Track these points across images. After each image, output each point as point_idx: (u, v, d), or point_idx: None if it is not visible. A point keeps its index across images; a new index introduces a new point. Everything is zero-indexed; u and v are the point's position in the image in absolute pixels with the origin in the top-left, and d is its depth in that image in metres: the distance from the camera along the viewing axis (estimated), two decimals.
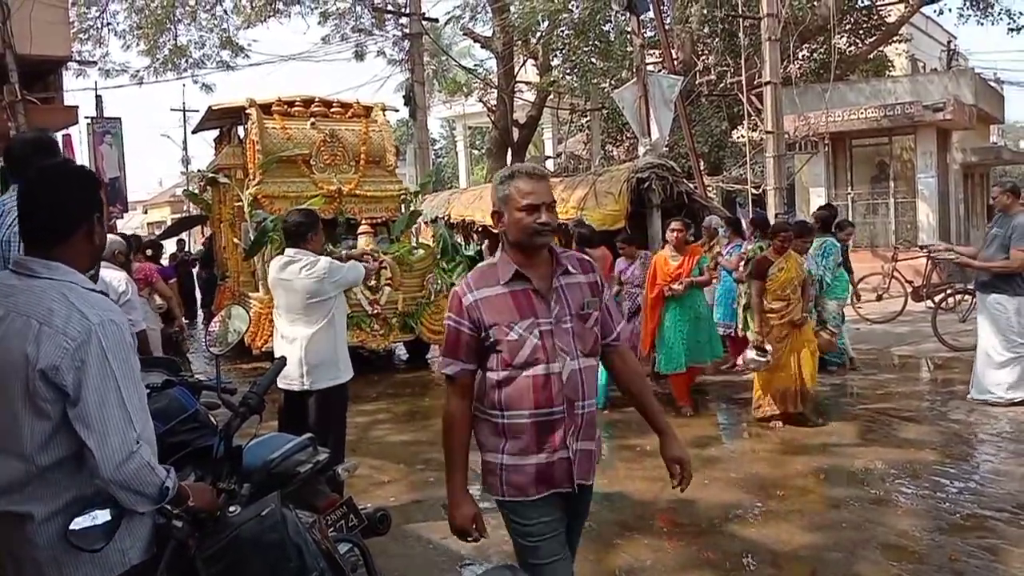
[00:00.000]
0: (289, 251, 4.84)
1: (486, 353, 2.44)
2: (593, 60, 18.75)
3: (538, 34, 18.93)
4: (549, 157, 26.77)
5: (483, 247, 12.43)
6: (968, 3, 19.11)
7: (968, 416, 6.77)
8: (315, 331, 4.73)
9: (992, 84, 21.51)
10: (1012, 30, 18.88)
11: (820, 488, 5.26)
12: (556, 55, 19.90)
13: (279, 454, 2.77)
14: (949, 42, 27.51)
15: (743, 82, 13.33)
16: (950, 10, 23.27)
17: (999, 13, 18.91)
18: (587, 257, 2.61)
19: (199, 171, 16.40)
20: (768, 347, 6.44)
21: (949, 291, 10.60)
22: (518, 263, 2.43)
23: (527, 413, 2.40)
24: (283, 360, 3.25)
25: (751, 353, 6.56)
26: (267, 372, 2.87)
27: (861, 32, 19.85)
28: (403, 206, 11.05)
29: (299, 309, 4.76)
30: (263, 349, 8.95)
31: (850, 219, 12.57)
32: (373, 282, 9.40)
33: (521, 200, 2.40)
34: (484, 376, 2.48)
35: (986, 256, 7.06)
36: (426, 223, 12.07)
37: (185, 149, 34.88)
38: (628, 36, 14.43)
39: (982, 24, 19.82)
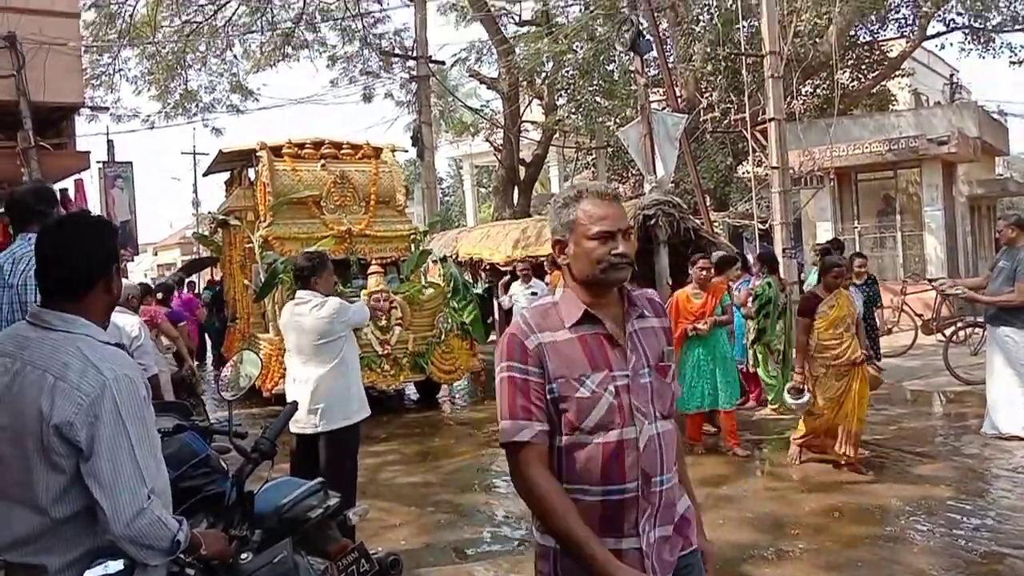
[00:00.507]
0: (300, 293, 4.92)
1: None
2: (598, 99, 18.96)
3: (543, 75, 19.18)
4: (555, 195, 26.95)
5: (499, 284, 12.50)
6: (969, 37, 19.31)
7: (982, 451, 6.71)
8: (326, 371, 4.75)
9: (996, 116, 21.61)
10: (1014, 63, 19.06)
11: (835, 526, 5.20)
12: (561, 95, 20.12)
13: (290, 499, 2.78)
14: (952, 75, 27.67)
15: (747, 119, 13.45)
16: (951, 44, 23.52)
17: (1000, 47, 19.10)
18: (656, 298, 2.26)
19: (209, 213, 16.57)
20: (806, 387, 6.23)
21: (960, 324, 10.56)
22: (587, 303, 2.03)
23: (593, 490, 1.97)
24: (295, 405, 3.27)
25: (788, 397, 6.44)
26: (279, 416, 2.89)
27: (863, 67, 20.04)
28: (413, 245, 11.13)
29: (310, 350, 4.79)
30: (273, 392, 8.97)
31: (857, 251, 12.56)
32: (384, 322, 9.44)
33: (592, 226, 2.01)
34: None
35: (993, 289, 7.06)
36: (434, 262, 12.13)
37: (195, 192, 35.24)
38: (632, 75, 14.60)
39: (983, 57, 20.01)
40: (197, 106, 19.88)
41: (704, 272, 7.08)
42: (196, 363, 11.11)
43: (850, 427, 6.15)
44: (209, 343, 15.71)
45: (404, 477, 6.97)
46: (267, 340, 9.70)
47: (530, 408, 1.96)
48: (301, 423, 4.68)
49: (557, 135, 21.08)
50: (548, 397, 1.96)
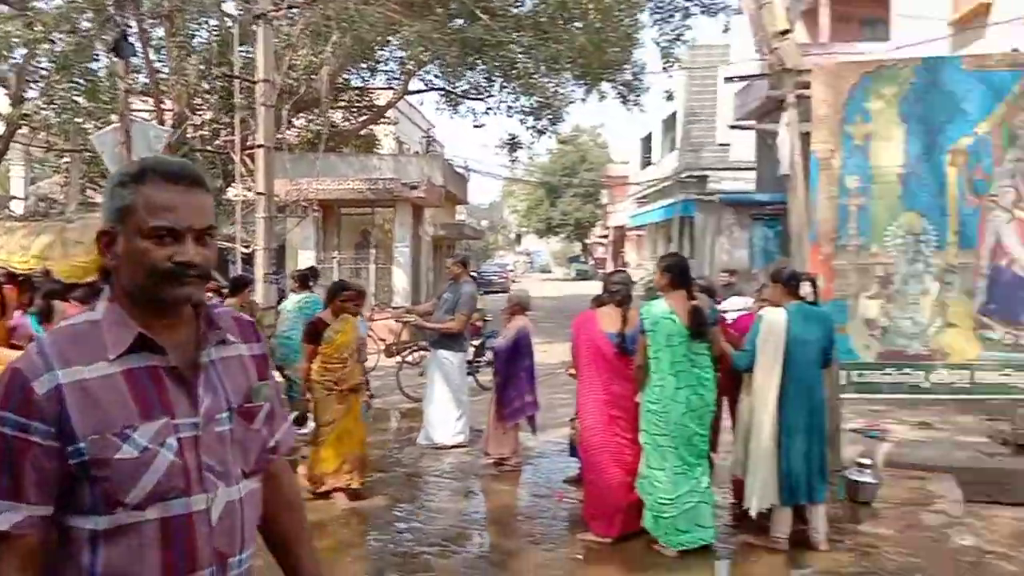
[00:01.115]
0: None
1: (72, 486, 1.39)
2: (76, 99, 17.13)
3: (11, 61, 16.66)
4: (15, 198, 23.45)
5: None
6: (443, 98, 22.14)
7: (419, 460, 7.63)
8: None
9: (459, 170, 25.16)
10: (476, 126, 22.50)
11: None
12: (32, 86, 17.70)
13: None
14: (428, 130, 31.40)
15: (237, 141, 13.41)
16: (431, 102, 26.88)
17: (465, 111, 22.32)
18: (245, 318, 1.69)
19: None
20: (310, 416, 6.21)
21: (413, 348, 11.90)
22: (141, 323, 1.45)
23: None
24: None
25: (292, 427, 6.34)
26: None
27: (354, 110, 21.57)
28: None
29: None
30: None
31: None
32: None
33: (150, 218, 1.42)
34: (65, 528, 1.41)
35: (438, 318, 8.14)
36: None
37: None
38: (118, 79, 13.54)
39: (453, 118, 23.12)
40: None
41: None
42: None
43: (354, 451, 6.27)
44: None
45: None
46: None
47: (22, 483, 1.35)
48: None
49: (24, 130, 18.44)
50: (71, 464, 1.36)
